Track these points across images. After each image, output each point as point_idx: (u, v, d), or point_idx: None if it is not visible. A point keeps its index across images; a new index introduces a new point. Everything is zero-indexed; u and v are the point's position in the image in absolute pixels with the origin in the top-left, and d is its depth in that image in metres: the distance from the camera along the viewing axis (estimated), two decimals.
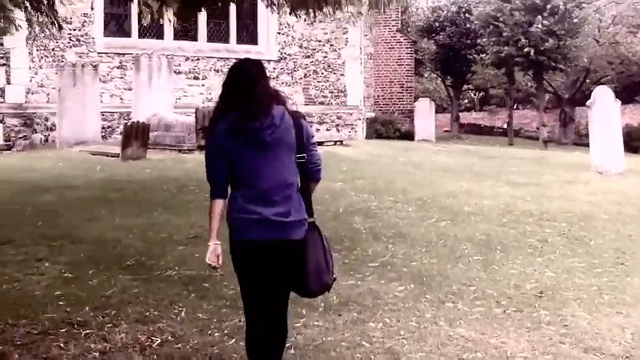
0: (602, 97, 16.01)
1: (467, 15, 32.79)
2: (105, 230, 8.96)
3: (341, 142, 20.24)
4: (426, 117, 27.56)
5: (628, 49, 32.34)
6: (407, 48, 31.46)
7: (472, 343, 5.62)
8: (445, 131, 35.74)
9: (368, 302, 6.53)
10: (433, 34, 33.84)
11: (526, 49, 28.02)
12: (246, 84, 4.19)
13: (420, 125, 27.32)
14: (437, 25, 33.61)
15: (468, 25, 32.46)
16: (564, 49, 28.46)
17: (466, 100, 46.63)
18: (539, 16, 28.13)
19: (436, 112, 29.99)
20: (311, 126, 4.71)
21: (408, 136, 27.16)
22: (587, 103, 16.16)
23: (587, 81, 35.21)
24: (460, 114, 38.09)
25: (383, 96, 30.80)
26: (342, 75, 24.24)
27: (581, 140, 35.37)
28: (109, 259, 7.70)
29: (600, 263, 8.27)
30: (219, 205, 4.25)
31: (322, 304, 6.33)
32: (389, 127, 27.46)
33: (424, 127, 27.16)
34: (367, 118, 26.03)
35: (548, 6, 28.30)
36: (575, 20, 28.59)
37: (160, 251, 8.06)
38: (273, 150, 4.18)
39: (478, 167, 16.43)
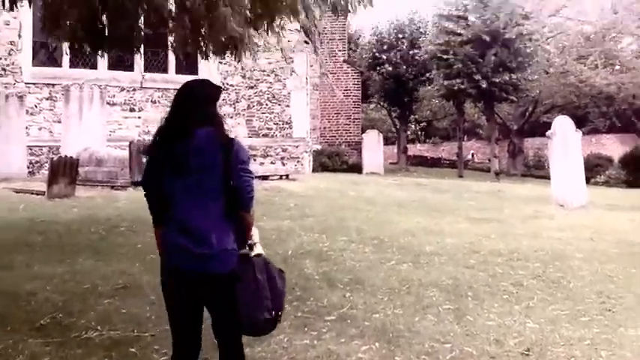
0: (563, 127, 15.26)
1: (412, 44, 32.26)
2: (19, 280, 7.73)
3: (287, 176, 19.20)
4: (374, 149, 26.89)
5: (578, 79, 31.86)
6: (353, 78, 30.65)
7: None
8: (391, 163, 35.10)
9: None
10: (379, 66, 33.13)
11: (480, 83, 27.42)
12: (182, 107, 4.07)
13: (368, 157, 26.63)
14: (383, 56, 32.92)
15: (415, 58, 31.88)
16: (516, 80, 27.97)
17: (408, 132, 46.15)
18: (492, 49, 27.73)
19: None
20: (251, 156, 4.03)
21: (356, 168, 26.36)
22: (547, 133, 15.35)
23: (536, 111, 34.83)
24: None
25: (329, 127, 29.89)
26: (288, 106, 23.26)
27: (530, 172, 35.05)
28: (19, 318, 6.49)
29: (585, 310, 7.31)
30: (160, 231, 4.18)
31: None
32: (336, 159, 26.60)
33: (372, 160, 26.48)
34: (313, 151, 25.08)
35: (500, 38, 27.90)
36: (528, 51, 28.26)
37: (80, 306, 6.87)
38: (196, 175, 3.98)
39: (433, 201, 15.49)
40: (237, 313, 4.03)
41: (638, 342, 6.31)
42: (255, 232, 4.20)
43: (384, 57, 32.80)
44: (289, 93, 23.32)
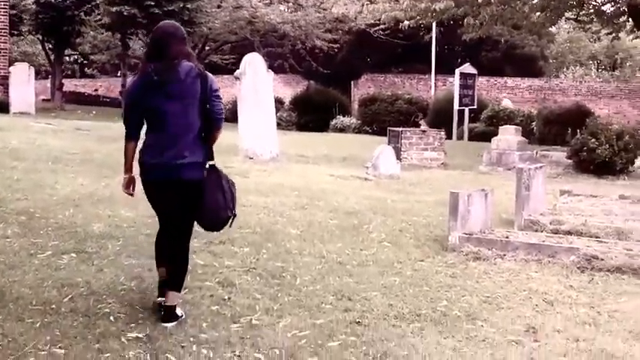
0: (253, 66, 13.02)
1: None
2: None
3: None
4: (24, 85, 23.36)
5: (251, 14, 29.77)
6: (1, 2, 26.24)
7: None
8: (44, 100, 31.57)
9: None
10: None
11: (151, 10, 24.28)
12: (162, 44, 4.97)
13: (16, 95, 23.05)
14: None
15: None
16: (191, 12, 25.32)
17: (63, 66, 42.41)
18: None
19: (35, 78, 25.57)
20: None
21: (2, 108, 22.54)
22: (236, 73, 13.03)
23: (206, 49, 32.68)
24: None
25: None
26: None
27: None
28: None
29: (330, 327, 5.21)
30: (132, 145, 5.09)
31: None
32: None
33: (22, 98, 23.07)
34: None
35: None
36: None
37: None
38: (179, 101, 4.91)
39: (99, 154, 12.40)
40: (201, 213, 5.03)
41: None
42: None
43: None
44: None
